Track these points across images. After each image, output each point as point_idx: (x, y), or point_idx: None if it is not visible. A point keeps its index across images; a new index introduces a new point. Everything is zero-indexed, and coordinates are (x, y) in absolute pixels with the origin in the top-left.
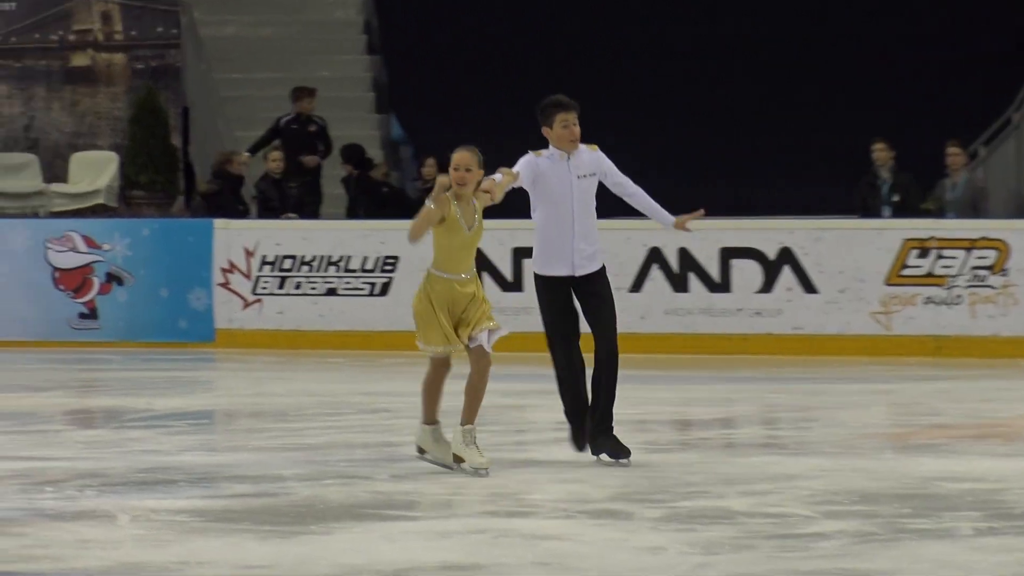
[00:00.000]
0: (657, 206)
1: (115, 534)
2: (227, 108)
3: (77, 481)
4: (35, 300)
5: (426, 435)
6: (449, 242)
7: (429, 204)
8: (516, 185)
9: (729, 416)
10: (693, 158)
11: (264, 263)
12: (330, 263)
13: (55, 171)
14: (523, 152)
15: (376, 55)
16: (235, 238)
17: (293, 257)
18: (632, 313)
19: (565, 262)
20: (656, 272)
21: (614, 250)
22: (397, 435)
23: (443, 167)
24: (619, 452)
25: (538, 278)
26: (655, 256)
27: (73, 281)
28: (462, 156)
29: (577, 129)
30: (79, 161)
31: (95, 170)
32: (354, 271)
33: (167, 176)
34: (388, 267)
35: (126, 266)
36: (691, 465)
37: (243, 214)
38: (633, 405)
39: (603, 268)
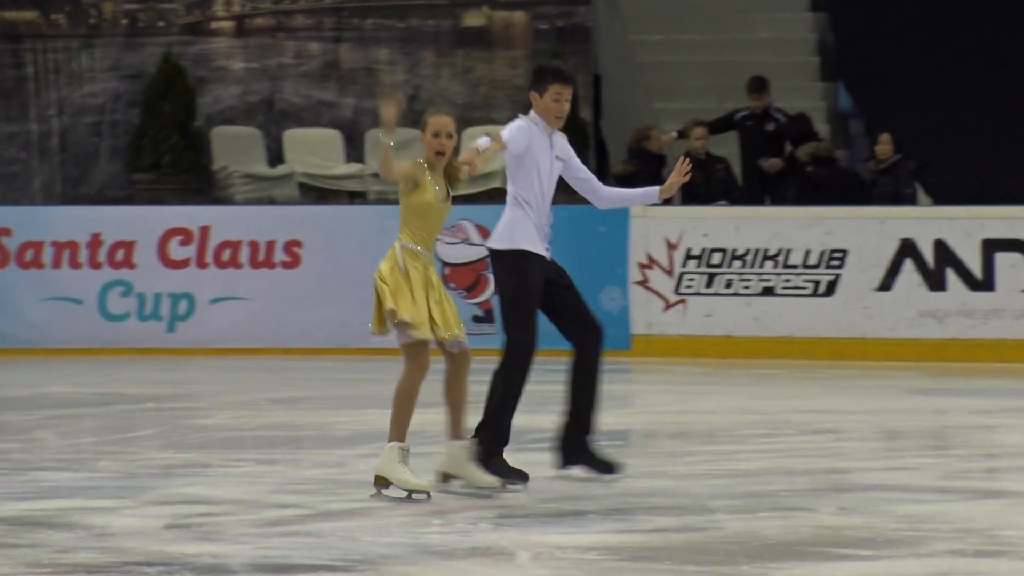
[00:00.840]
0: (635, 191)
1: (514, 574)
2: (646, 75)
3: (469, 513)
4: None
5: (394, 455)
6: (423, 214)
7: (383, 139)
8: (502, 153)
9: None
10: None
11: (689, 257)
12: (766, 257)
13: None
14: (987, 129)
15: (821, 12)
16: (655, 228)
17: (723, 250)
18: None
19: (541, 243)
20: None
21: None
22: (845, 460)
23: (899, 144)
24: (604, 467)
25: (512, 252)
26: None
27: (466, 279)
28: (444, 121)
29: (567, 106)
30: (473, 138)
31: None
32: (794, 267)
33: (576, 154)
34: (835, 262)
35: None
36: None
37: (664, 200)
38: None
39: None
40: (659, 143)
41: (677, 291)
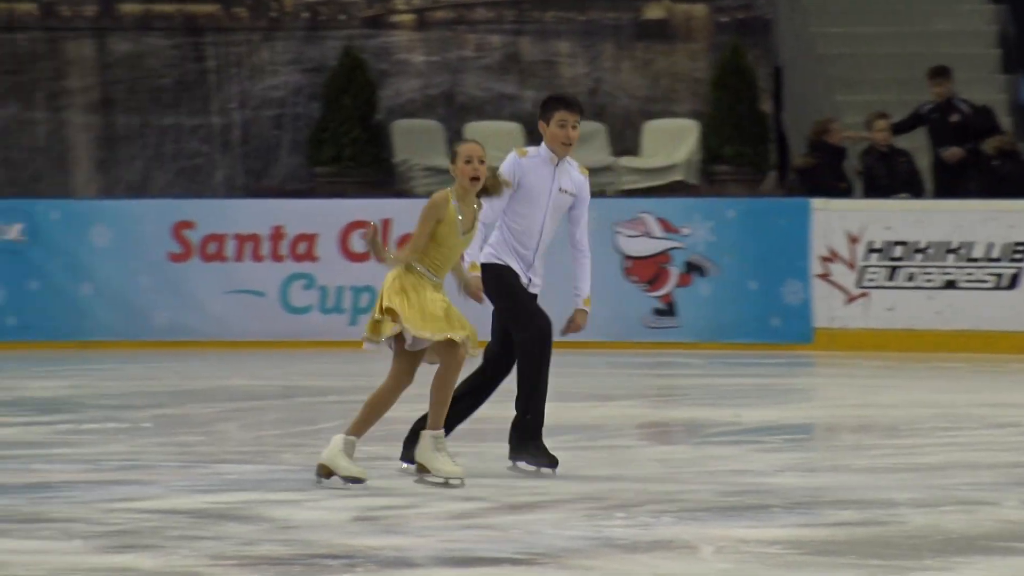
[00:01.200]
0: (586, 279)
1: (696, 568)
2: (827, 67)
3: (652, 506)
4: (603, 294)
5: (339, 445)
6: (441, 243)
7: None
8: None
9: None
10: None
11: (871, 251)
12: (948, 251)
13: (625, 143)
14: None
15: (1002, 5)
16: (836, 221)
17: (905, 243)
18: None
19: (521, 272)
20: None
21: None
22: None
23: None
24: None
25: (493, 264)
26: None
27: (647, 271)
28: (474, 148)
29: (575, 133)
30: (653, 131)
31: (672, 141)
32: (977, 260)
33: (756, 148)
34: (1018, 255)
35: (708, 254)
36: None
37: (846, 192)
38: None
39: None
40: (840, 136)
41: (859, 284)
